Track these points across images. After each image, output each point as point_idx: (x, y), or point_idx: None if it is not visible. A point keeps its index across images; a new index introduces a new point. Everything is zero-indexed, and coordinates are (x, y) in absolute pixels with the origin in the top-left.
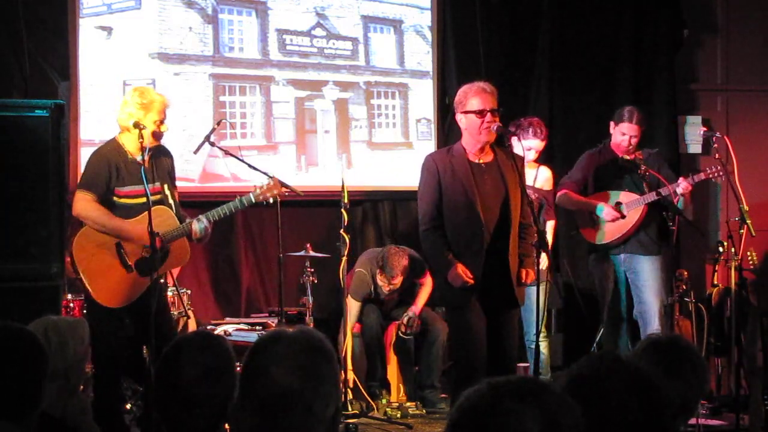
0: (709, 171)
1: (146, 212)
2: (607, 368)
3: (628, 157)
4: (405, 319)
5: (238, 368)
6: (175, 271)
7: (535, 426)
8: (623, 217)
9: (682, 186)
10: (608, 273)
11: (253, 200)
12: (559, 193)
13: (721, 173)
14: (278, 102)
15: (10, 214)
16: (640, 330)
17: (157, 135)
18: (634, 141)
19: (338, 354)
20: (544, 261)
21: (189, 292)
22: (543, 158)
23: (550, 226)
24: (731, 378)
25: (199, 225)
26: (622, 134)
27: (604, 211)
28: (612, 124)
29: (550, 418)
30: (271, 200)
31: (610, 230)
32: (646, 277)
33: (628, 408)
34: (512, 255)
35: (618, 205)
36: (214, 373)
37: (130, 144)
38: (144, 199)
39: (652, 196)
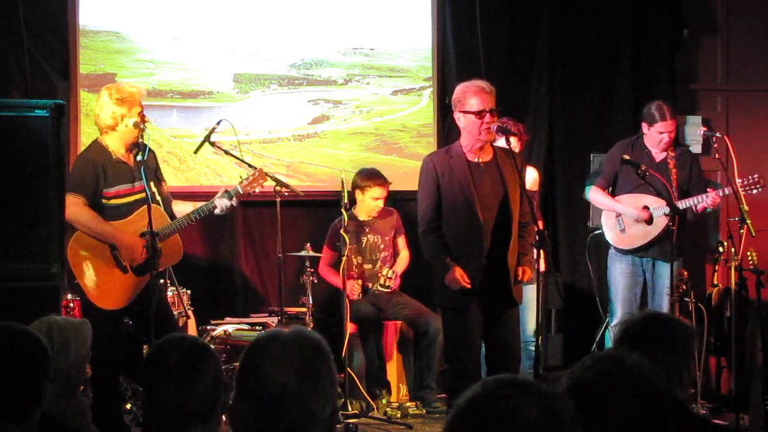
0: (741, 183)
1: (136, 213)
2: (610, 372)
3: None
4: (386, 272)
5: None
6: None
7: (536, 412)
8: (651, 219)
9: (711, 198)
10: (625, 271)
11: (240, 191)
12: (588, 188)
13: (755, 184)
14: (278, 101)
15: (10, 213)
16: None
17: (142, 127)
18: (671, 136)
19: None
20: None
21: (189, 292)
22: (544, 157)
23: None
24: (731, 378)
25: (222, 201)
26: (660, 133)
27: (634, 213)
28: (644, 125)
29: (549, 406)
30: (257, 190)
31: (635, 236)
32: (664, 282)
33: (630, 409)
34: (511, 254)
35: (646, 209)
36: (200, 354)
37: (114, 144)
38: (133, 198)
39: (682, 204)
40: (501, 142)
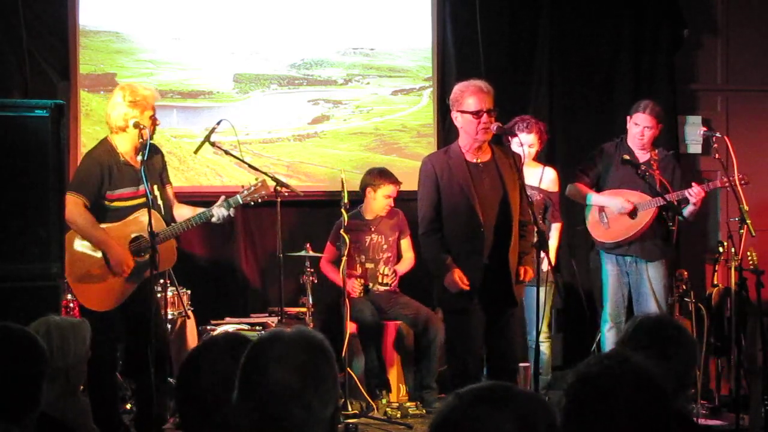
0: (725, 179)
1: (132, 216)
2: (615, 369)
3: (626, 157)
4: (383, 269)
5: None
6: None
7: (510, 427)
8: (635, 213)
9: (695, 191)
10: (611, 272)
11: (240, 201)
12: (570, 185)
13: (740, 181)
14: (278, 101)
15: (10, 213)
16: None
17: (153, 131)
18: (648, 133)
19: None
20: (546, 263)
21: (189, 292)
22: (543, 157)
23: (555, 228)
24: (731, 378)
25: (220, 211)
26: (636, 125)
27: (618, 203)
28: (628, 118)
29: (524, 418)
30: (259, 200)
31: (618, 230)
32: (647, 284)
33: (635, 410)
34: (512, 254)
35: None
36: (233, 380)
37: (123, 145)
38: (136, 201)
39: (663, 200)
40: (515, 142)
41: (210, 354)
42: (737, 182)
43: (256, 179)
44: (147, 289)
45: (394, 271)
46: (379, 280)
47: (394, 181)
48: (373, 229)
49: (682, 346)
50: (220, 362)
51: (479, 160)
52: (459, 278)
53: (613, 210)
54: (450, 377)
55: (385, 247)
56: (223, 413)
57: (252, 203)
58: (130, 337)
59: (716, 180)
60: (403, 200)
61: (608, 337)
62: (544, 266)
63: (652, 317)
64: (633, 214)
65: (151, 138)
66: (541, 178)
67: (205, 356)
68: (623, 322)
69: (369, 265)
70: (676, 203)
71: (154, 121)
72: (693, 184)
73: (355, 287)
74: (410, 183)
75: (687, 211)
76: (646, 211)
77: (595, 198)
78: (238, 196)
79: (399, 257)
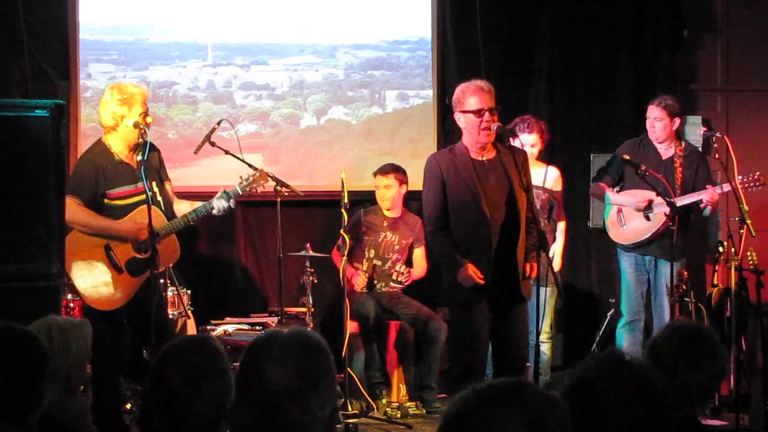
0: (741, 181)
1: (132, 213)
2: (611, 370)
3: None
4: (400, 267)
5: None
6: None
7: (520, 428)
8: (650, 212)
9: (708, 194)
10: (630, 270)
11: (240, 192)
12: (593, 184)
13: (755, 182)
14: (278, 100)
15: (10, 213)
16: (653, 329)
17: (142, 127)
18: (657, 125)
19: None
20: (556, 263)
21: (189, 292)
22: (544, 158)
23: (561, 227)
24: (731, 378)
25: (220, 203)
26: (647, 117)
27: (633, 201)
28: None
29: (534, 420)
30: (258, 190)
31: (633, 232)
32: (665, 281)
33: (631, 411)
34: (520, 251)
35: (649, 203)
36: (200, 376)
37: (117, 144)
38: (135, 199)
39: (680, 201)
40: (517, 142)
41: (173, 357)
42: (753, 183)
43: (254, 170)
44: (155, 286)
45: (409, 272)
46: (394, 278)
47: (383, 172)
48: (388, 226)
49: (713, 359)
50: (184, 363)
51: (484, 158)
52: (473, 272)
53: (629, 209)
54: (454, 374)
55: (396, 248)
56: (189, 411)
57: (252, 193)
58: (139, 337)
59: (726, 183)
60: (405, 200)
61: (621, 334)
62: (556, 266)
63: (690, 324)
64: (648, 215)
65: (142, 135)
66: (545, 177)
67: (169, 359)
68: (642, 320)
69: (377, 262)
70: (679, 204)
71: (144, 118)
72: (707, 186)
73: (358, 281)
74: (410, 183)
75: (700, 205)
76: (661, 212)
77: (613, 197)
78: (237, 186)
79: (407, 264)
